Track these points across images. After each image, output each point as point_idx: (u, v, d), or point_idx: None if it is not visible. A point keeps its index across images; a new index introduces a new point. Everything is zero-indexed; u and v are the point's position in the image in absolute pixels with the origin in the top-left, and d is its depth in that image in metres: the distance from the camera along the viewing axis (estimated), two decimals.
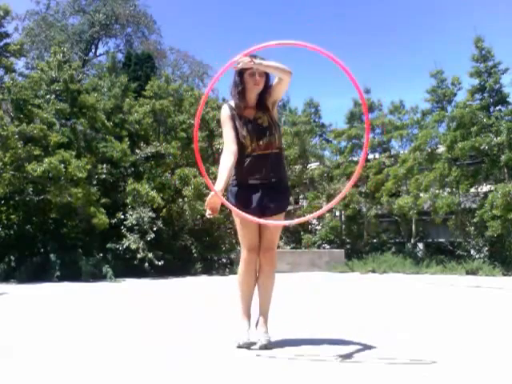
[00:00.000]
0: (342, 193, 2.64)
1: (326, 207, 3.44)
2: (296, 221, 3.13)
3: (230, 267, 11.93)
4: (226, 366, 2.34)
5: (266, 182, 2.73)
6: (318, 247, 14.58)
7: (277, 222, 2.71)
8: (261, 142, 2.72)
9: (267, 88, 2.77)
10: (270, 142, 2.73)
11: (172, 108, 12.97)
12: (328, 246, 14.82)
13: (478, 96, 12.56)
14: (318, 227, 15.55)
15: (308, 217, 3.15)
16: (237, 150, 2.73)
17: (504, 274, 10.47)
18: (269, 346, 2.66)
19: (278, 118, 2.89)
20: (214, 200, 2.61)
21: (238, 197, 2.76)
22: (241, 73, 2.72)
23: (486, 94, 12.40)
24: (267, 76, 2.76)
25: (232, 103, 2.83)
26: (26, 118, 10.03)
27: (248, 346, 2.67)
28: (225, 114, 2.82)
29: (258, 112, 2.78)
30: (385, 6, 47.41)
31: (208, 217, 2.71)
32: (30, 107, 10.10)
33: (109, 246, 10.48)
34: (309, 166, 16.65)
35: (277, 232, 2.84)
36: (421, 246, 14.81)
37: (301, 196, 16.81)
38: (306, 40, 2.51)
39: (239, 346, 2.67)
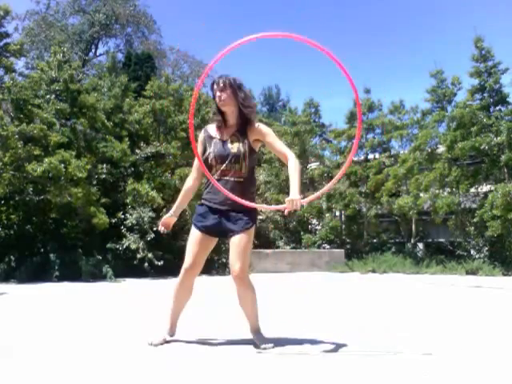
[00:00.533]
0: (345, 166, 2.78)
1: (331, 182, 3.09)
2: (306, 200, 2.83)
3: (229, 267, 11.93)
4: (227, 365, 2.33)
5: (224, 209, 2.73)
6: (318, 247, 14.56)
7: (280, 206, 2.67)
8: (223, 167, 2.73)
9: (248, 116, 2.77)
10: (235, 169, 2.72)
11: (172, 108, 12.97)
12: (328, 246, 14.82)
13: (478, 96, 12.55)
14: (318, 227, 15.55)
15: (317, 194, 2.94)
16: (199, 176, 2.89)
17: (504, 274, 10.47)
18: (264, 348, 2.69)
19: (257, 149, 2.84)
20: (168, 221, 2.96)
21: (198, 214, 2.82)
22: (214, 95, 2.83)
23: (486, 94, 12.39)
24: (246, 100, 2.76)
25: (211, 126, 2.91)
26: (26, 118, 10.02)
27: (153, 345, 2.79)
28: (199, 137, 2.93)
29: (233, 136, 2.78)
30: (385, 6, 47.43)
31: (161, 231, 2.99)
32: (30, 107, 10.09)
33: (109, 245, 10.47)
34: (309, 165, 16.64)
35: (244, 254, 2.71)
36: (421, 246, 14.81)
37: (300, 196, 16.79)
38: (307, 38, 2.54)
39: (150, 344, 2.78)
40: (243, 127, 2.78)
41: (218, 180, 2.71)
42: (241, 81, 2.82)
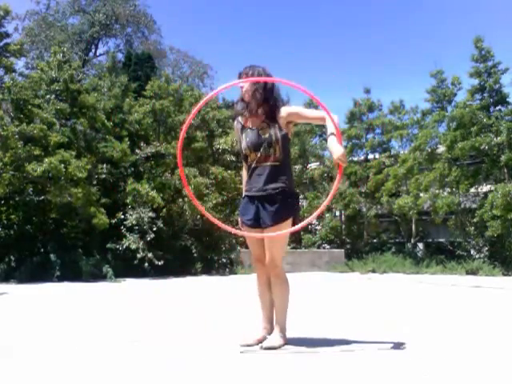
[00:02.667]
0: (332, 192, 2.72)
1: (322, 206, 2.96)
2: (297, 227, 2.79)
3: (229, 267, 11.92)
4: (226, 365, 2.33)
5: (262, 195, 2.71)
6: (318, 247, 14.57)
7: (271, 234, 2.64)
8: (258, 154, 2.73)
9: (276, 102, 2.79)
10: (269, 154, 2.71)
11: (172, 108, 12.97)
12: (328, 246, 14.83)
13: (478, 96, 12.56)
14: (318, 227, 15.56)
15: (308, 219, 3.04)
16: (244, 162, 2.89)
17: (504, 274, 10.47)
18: (266, 347, 2.64)
19: (289, 133, 2.85)
20: None
21: (241, 208, 2.89)
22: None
23: (485, 94, 12.40)
24: (269, 90, 2.77)
25: (240, 117, 2.91)
26: (26, 118, 10.02)
27: (246, 345, 2.71)
28: (235, 128, 2.96)
29: (263, 123, 2.77)
30: (385, 5, 47.45)
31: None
32: (30, 107, 10.09)
33: (109, 245, 10.48)
34: (309, 166, 16.66)
35: (276, 246, 2.72)
36: (421, 246, 14.82)
37: (301, 196, 16.83)
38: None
39: (241, 345, 2.71)
40: (271, 114, 2.78)
41: (256, 168, 2.74)
42: (268, 71, 2.82)
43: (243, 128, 2.85)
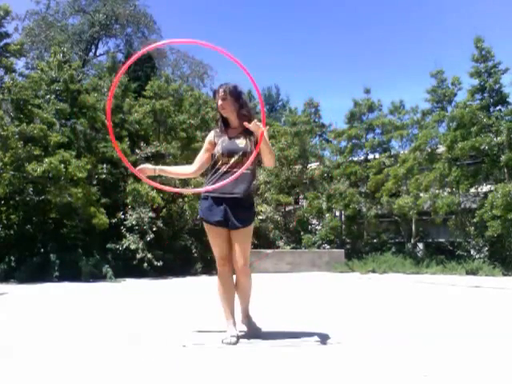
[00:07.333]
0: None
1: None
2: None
3: None
4: (225, 364, 2.33)
5: (230, 197, 2.90)
6: (318, 247, 14.55)
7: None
8: (232, 160, 2.93)
9: (250, 116, 2.97)
10: (242, 162, 2.90)
11: (172, 108, 12.96)
12: (328, 246, 14.81)
13: (478, 96, 12.54)
14: (318, 227, 15.54)
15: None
16: (198, 170, 3.08)
17: (504, 274, 10.47)
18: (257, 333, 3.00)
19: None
20: (147, 170, 3.00)
21: (204, 209, 2.99)
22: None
23: (486, 94, 12.38)
24: (242, 102, 2.99)
25: (218, 129, 3.12)
26: (26, 118, 10.01)
27: (236, 341, 2.82)
28: (207, 137, 3.12)
29: (240, 134, 3.00)
30: (385, 5, 47.49)
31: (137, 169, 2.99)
32: (30, 107, 10.08)
33: (109, 246, 10.47)
34: (309, 165, 16.63)
35: (246, 246, 2.95)
36: (421, 246, 14.80)
37: (301, 196, 16.80)
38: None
39: (228, 343, 2.80)
40: (248, 130, 2.94)
41: (227, 172, 2.91)
42: (241, 89, 3.03)
43: (219, 136, 3.04)
